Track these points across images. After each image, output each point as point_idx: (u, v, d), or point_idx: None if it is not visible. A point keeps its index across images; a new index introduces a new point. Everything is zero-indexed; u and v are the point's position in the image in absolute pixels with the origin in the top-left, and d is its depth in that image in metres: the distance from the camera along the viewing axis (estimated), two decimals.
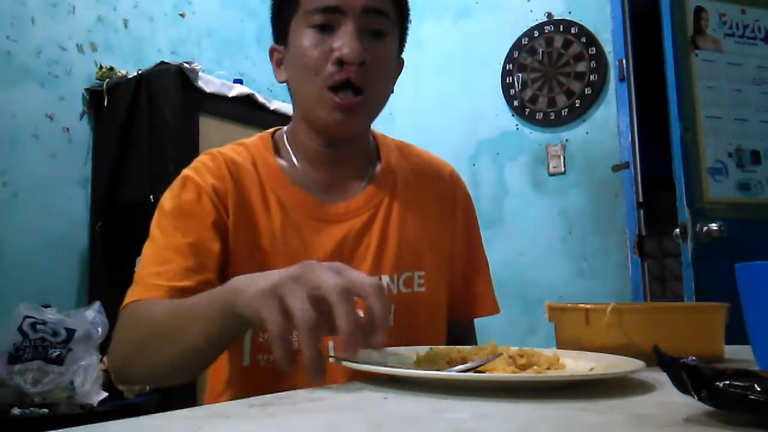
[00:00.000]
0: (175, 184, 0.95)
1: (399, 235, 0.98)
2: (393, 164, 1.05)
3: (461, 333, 1.10)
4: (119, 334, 0.84)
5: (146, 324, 0.81)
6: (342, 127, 0.93)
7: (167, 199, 0.93)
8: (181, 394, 2.08)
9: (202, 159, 0.97)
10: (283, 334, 0.60)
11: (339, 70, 0.88)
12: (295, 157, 1.00)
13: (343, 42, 0.88)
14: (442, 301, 1.04)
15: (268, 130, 1.07)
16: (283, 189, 0.96)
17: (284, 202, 0.95)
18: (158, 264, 0.87)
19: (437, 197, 1.06)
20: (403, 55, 1.05)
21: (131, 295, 0.86)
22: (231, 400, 0.89)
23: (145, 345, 0.79)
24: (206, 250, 0.88)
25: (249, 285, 0.65)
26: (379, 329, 0.62)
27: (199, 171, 0.94)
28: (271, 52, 1.01)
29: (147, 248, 0.91)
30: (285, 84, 1.02)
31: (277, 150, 1.01)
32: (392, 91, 1.03)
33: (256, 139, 1.03)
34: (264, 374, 0.90)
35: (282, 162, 1.00)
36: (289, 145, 1.01)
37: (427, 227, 1.02)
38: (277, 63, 1.01)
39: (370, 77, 0.90)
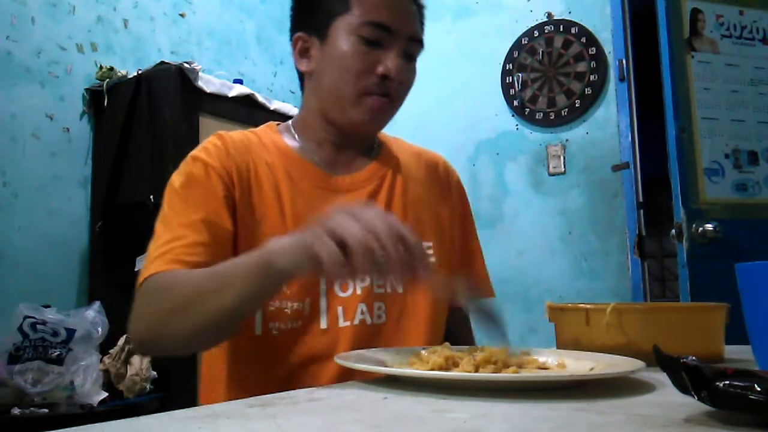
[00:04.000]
0: (184, 164, 0.97)
1: (403, 207, 1.04)
2: (393, 148, 1.12)
3: (460, 317, 1.13)
4: (144, 305, 0.85)
5: (178, 289, 0.82)
6: (369, 126, 1.01)
7: (176, 178, 0.95)
8: (181, 394, 2.08)
9: (209, 139, 1.00)
10: (342, 261, 0.66)
11: (381, 84, 0.96)
12: (303, 141, 1.05)
13: (392, 62, 0.96)
14: (448, 271, 1.07)
15: (272, 122, 1.11)
16: (291, 162, 1.00)
17: (292, 174, 0.99)
18: (172, 240, 0.88)
19: (433, 181, 1.12)
20: None
21: (149, 269, 0.86)
22: (243, 370, 0.93)
23: (179, 309, 0.80)
24: (218, 227, 0.91)
25: (285, 242, 0.73)
26: (421, 261, 0.69)
27: (207, 150, 0.97)
28: (296, 40, 1.04)
29: (159, 226, 0.92)
30: (303, 74, 1.06)
31: (283, 135, 1.06)
32: None
33: (262, 127, 1.08)
34: (275, 342, 0.92)
35: (289, 142, 1.04)
36: (296, 132, 1.06)
37: (429, 203, 1.08)
38: (301, 52, 1.03)
39: (402, 91, 1.00)
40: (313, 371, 0.92)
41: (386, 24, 0.95)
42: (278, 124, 1.09)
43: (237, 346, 0.95)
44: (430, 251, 1.04)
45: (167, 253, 0.86)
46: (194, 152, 0.98)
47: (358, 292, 0.96)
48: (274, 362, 0.93)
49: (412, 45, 0.99)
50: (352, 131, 1.02)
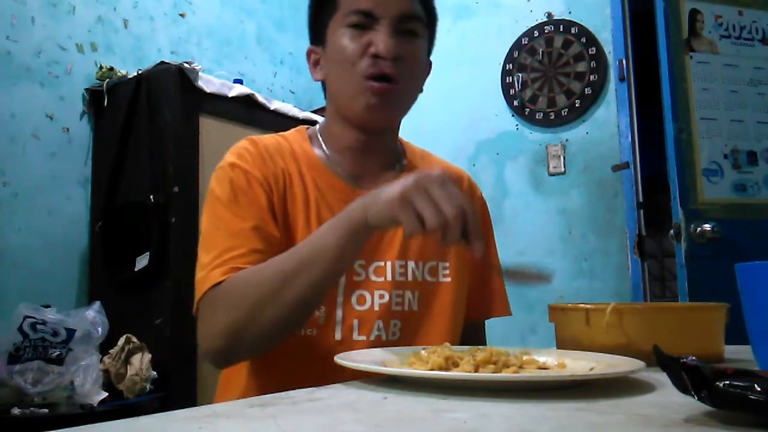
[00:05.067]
0: (222, 171, 0.97)
1: None
2: (418, 164, 1.12)
3: (474, 335, 1.12)
4: (214, 313, 0.85)
5: (258, 280, 0.83)
6: (377, 113, 0.98)
7: (217, 187, 0.96)
8: (181, 394, 2.08)
9: (243, 145, 1.01)
10: (419, 233, 0.74)
11: (374, 64, 0.95)
12: (329, 149, 1.05)
13: (378, 38, 0.96)
14: (464, 294, 1.08)
15: (302, 126, 1.12)
16: (319, 173, 1.01)
17: (319, 185, 1.00)
18: (226, 251, 0.88)
19: None
20: None
21: (208, 280, 0.87)
22: (260, 375, 0.95)
23: (267, 296, 0.81)
24: (269, 234, 0.92)
25: (377, 198, 0.78)
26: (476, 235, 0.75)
27: (243, 157, 0.97)
28: (309, 53, 1.08)
29: (207, 236, 0.92)
30: (320, 83, 1.08)
31: (311, 142, 1.07)
32: (421, 90, 1.08)
33: (292, 131, 1.09)
34: (290, 349, 0.92)
35: (317, 151, 1.05)
36: (323, 140, 1.07)
37: None
38: (314, 63, 1.07)
39: (403, 71, 0.98)
40: (324, 380, 0.92)
41: (368, 9, 0.96)
42: (308, 128, 1.11)
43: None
44: (445, 271, 1.04)
45: (224, 263, 0.87)
46: (230, 158, 0.98)
47: (376, 308, 0.97)
48: (289, 368, 0.94)
49: (406, 22, 0.99)
50: (363, 123, 1.01)
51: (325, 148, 1.05)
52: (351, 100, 0.98)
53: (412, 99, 1.05)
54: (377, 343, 0.95)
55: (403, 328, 0.98)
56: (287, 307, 0.82)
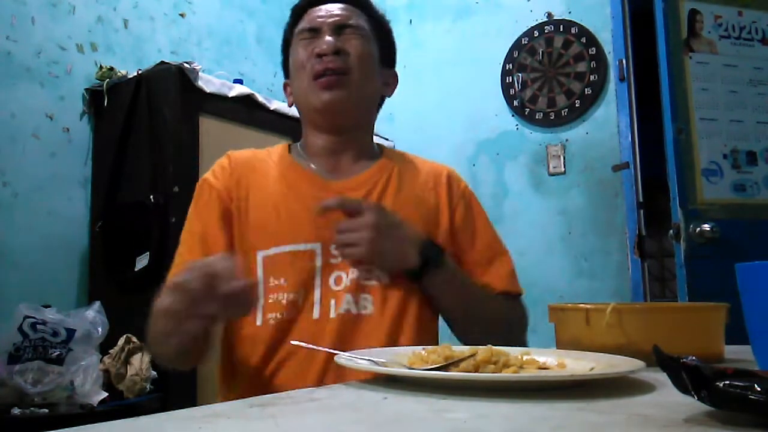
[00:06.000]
0: (197, 184, 1.14)
1: (392, 206, 1.08)
2: (393, 160, 1.19)
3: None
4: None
5: (153, 321, 0.92)
6: (330, 103, 1.08)
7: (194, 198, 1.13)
8: (181, 394, 2.08)
9: (219, 160, 1.15)
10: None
11: (319, 62, 1.08)
12: (305, 155, 1.17)
13: (321, 41, 1.10)
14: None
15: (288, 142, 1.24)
16: (292, 170, 1.13)
17: (290, 179, 1.11)
18: (178, 255, 1.07)
19: (431, 187, 1.16)
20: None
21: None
22: (249, 356, 1.02)
23: (160, 338, 0.90)
24: (212, 238, 1.06)
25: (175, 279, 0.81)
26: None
27: (214, 172, 1.13)
28: (284, 86, 1.22)
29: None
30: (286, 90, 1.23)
31: (291, 151, 1.19)
32: (388, 94, 1.20)
33: (278, 146, 1.21)
34: (272, 331, 1.01)
35: (295, 156, 1.17)
36: (301, 149, 1.19)
37: (420, 211, 1.12)
38: (288, 93, 1.20)
39: (348, 62, 1.09)
40: (301, 357, 0.99)
41: (311, 26, 1.11)
42: (291, 143, 1.22)
43: (242, 335, 1.04)
44: None
45: (169, 278, 0.98)
46: (206, 174, 1.14)
47: (348, 284, 1.02)
48: (272, 349, 1.01)
49: (347, 28, 1.11)
50: (324, 121, 1.12)
51: (302, 154, 1.17)
52: (307, 101, 1.10)
53: (367, 91, 1.13)
54: (348, 317, 1.00)
55: (374, 301, 1.02)
56: (174, 349, 0.90)
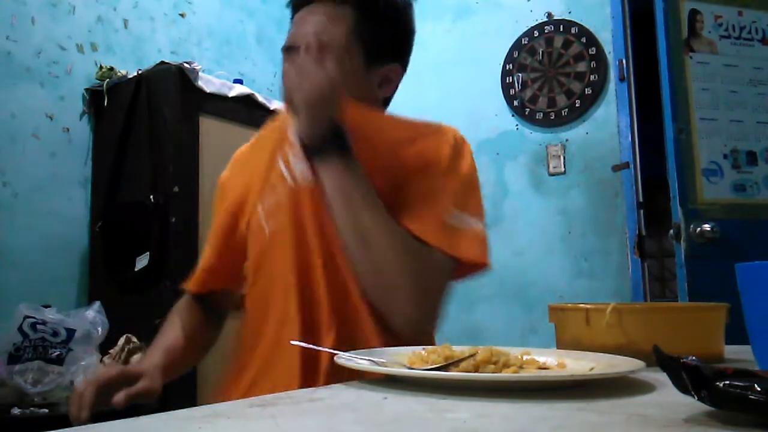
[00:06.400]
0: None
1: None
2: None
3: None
4: None
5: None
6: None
7: None
8: (181, 394, 2.08)
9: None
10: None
11: (287, 58, 1.10)
12: None
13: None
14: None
15: None
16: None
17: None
18: (203, 254, 1.20)
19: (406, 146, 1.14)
20: None
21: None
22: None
23: None
24: (225, 231, 1.14)
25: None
26: None
27: (227, 169, 1.23)
28: None
29: None
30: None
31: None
32: (387, 95, 1.17)
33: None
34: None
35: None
36: None
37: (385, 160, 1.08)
38: None
39: (305, 41, 1.08)
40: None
41: (288, 45, 1.11)
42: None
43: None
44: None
45: (188, 284, 1.23)
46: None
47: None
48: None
49: (310, 37, 1.10)
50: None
51: None
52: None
53: (334, 72, 0.99)
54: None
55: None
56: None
